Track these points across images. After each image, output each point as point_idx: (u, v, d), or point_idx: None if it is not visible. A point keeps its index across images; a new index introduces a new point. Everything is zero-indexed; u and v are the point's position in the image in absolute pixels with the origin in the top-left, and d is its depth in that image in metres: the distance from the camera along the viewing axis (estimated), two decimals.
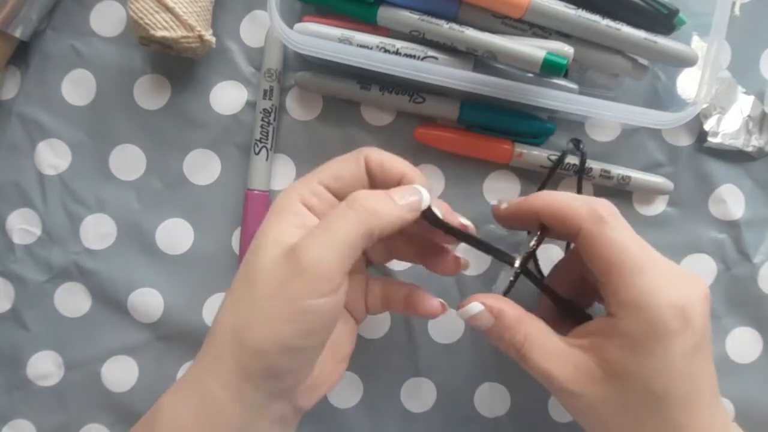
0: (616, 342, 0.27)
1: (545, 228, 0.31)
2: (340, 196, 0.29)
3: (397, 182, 0.30)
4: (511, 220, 0.33)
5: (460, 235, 0.30)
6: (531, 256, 0.31)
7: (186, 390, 0.28)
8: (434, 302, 0.32)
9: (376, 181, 0.30)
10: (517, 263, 0.30)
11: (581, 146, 0.37)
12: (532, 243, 0.31)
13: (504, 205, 0.33)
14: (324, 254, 0.26)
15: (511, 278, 0.30)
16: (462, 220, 0.31)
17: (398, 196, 0.28)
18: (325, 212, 0.29)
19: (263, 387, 0.27)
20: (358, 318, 0.33)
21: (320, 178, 0.29)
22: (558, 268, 0.36)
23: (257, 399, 0.27)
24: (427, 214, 0.29)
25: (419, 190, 0.29)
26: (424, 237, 0.32)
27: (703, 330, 0.27)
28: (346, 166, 0.30)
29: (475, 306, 0.30)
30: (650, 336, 0.26)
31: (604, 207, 0.29)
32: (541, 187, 0.38)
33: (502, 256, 0.30)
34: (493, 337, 0.30)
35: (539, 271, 0.38)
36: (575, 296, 0.34)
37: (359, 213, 0.27)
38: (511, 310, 0.30)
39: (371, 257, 0.34)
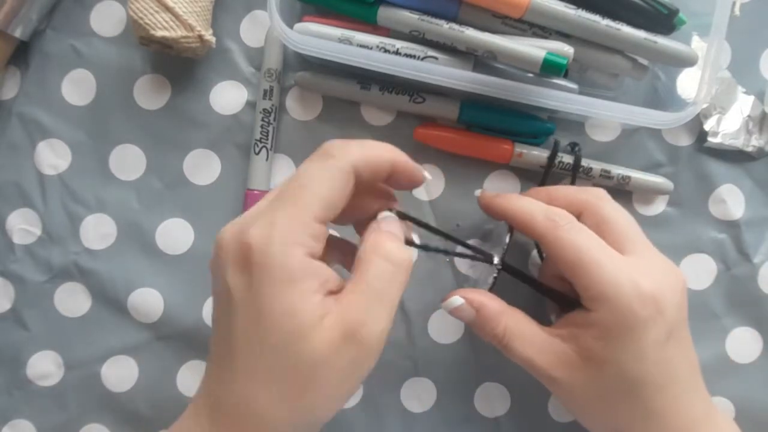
0: (592, 332, 0.29)
1: (513, 228, 0.33)
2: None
3: (387, 174, 0.27)
4: (487, 211, 0.35)
5: (443, 236, 0.31)
6: (506, 252, 0.32)
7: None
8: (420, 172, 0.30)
9: (360, 182, 0.27)
10: (496, 260, 0.32)
11: (576, 149, 0.37)
12: (506, 240, 0.33)
13: (477, 192, 0.36)
14: (385, 328, 0.25)
15: (494, 275, 0.32)
16: (425, 174, 0.30)
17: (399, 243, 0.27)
18: (320, 246, 0.25)
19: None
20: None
21: (314, 212, 0.25)
22: (547, 260, 0.37)
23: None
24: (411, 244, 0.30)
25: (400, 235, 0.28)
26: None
27: (676, 317, 0.29)
28: (337, 189, 0.25)
29: (455, 300, 0.31)
30: (621, 325, 0.28)
31: (560, 214, 0.30)
32: (541, 185, 0.38)
33: (482, 255, 0.32)
34: (477, 329, 0.32)
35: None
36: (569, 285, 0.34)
37: (402, 270, 0.26)
38: (491, 303, 0.31)
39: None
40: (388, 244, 0.26)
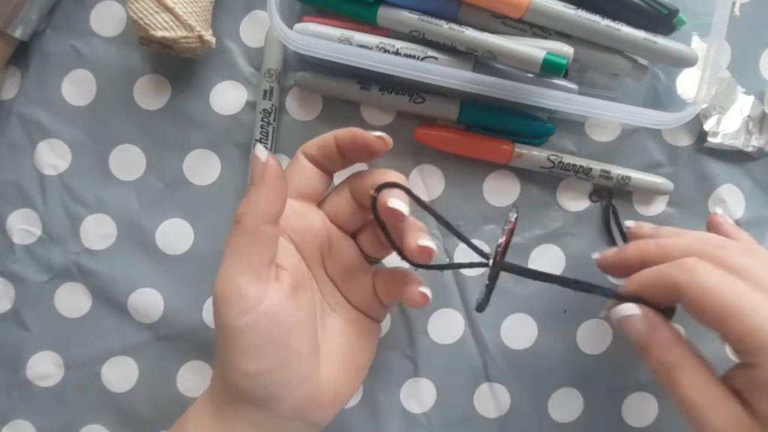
0: (761, 394, 0.25)
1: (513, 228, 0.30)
2: (301, 196, 0.32)
3: (337, 147, 0.31)
4: (608, 272, 0.34)
5: (434, 215, 0.30)
6: (504, 251, 0.30)
7: (204, 411, 0.30)
8: (416, 292, 0.31)
9: (324, 164, 0.32)
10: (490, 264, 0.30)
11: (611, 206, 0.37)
12: (500, 241, 0.30)
13: (595, 256, 0.34)
14: (227, 279, 0.27)
15: (487, 281, 0.30)
16: (376, 133, 0.31)
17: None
18: (291, 220, 0.31)
19: (261, 412, 0.28)
20: (378, 316, 0.33)
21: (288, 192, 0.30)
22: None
23: (266, 423, 0.28)
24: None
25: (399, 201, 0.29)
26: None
27: None
28: (291, 170, 0.32)
29: (630, 308, 0.28)
30: None
31: (690, 259, 0.27)
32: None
33: (482, 257, 0.30)
34: (642, 349, 0.28)
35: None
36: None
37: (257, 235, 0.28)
38: (667, 326, 0.28)
39: (367, 252, 0.33)
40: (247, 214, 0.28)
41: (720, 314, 0.25)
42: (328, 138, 0.31)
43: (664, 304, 0.29)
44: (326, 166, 0.32)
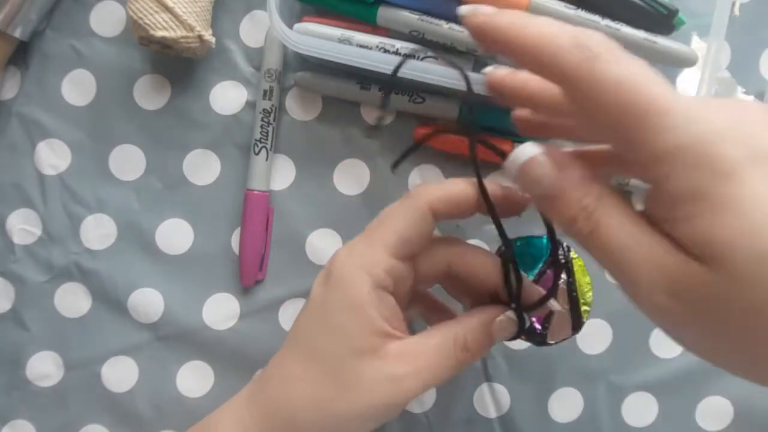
0: (680, 214, 0.19)
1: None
2: (408, 258, 0.27)
3: (474, 208, 0.27)
4: (479, 37, 0.24)
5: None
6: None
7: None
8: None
9: (444, 218, 0.27)
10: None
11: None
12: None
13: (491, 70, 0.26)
14: (417, 395, 0.26)
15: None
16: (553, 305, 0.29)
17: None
18: (397, 284, 0.27)
19: None
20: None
21: (387, 246, 0.26)
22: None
23: None
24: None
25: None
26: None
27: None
28: (413, 226, 0.26)
29: (527, 149, 0.21)
30: (718, 179, 0.18)
31: (595, 40, 0.20)
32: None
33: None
34: (553, 202, 0.21)
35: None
36: None
37: (461, 361, 0.27)
38: (577, 162, 0.21)
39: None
40: (469, 344, 0.27)
41: (622, 116, 0.19)
42: (468, 198, 0.27)
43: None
44: (443, 219, 0.27)
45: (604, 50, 0.20)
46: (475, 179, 0.26)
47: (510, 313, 0.28)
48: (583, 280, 0.30)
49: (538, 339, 0.29)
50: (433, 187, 0.27)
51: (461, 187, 0.27)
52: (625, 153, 0.20)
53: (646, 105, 0.19)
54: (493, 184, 0.27)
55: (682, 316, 0.19)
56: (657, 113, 0.18)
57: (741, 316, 0.18)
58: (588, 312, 0.30)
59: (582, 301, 0.30)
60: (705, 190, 0.18)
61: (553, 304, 0.29)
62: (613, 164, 0.25)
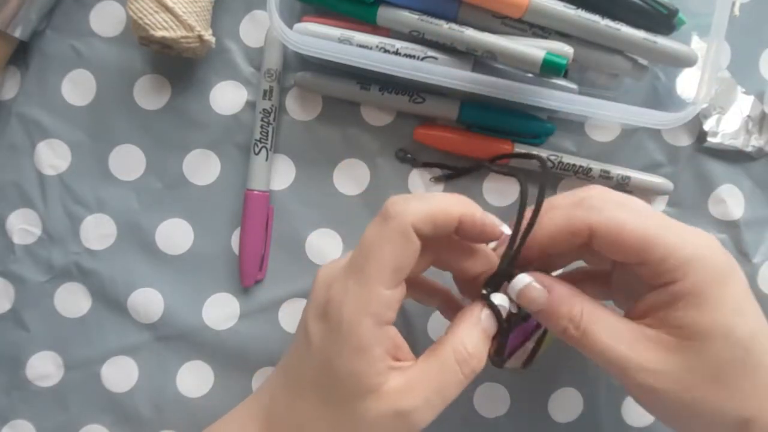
0: (683, 303, 0.25)
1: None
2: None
3: (454, 229, 0.27)
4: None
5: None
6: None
7: None
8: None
9: (428, 240, 0.27)
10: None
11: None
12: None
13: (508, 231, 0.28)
14: (433, 417, 0.26)
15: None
16: (503, 229, 0.28)
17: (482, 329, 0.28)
18: (392, 312, 0.27)
19: None
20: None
21: (380, 282, 0.25)
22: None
23: None
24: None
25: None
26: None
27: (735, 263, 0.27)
28: (401, 253, 0.26)
29: (523, 278, 0.27)
30: (714, 281, 0.25)
31: (594, 194, 0.27)
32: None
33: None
34: (547, 315, 0.27)
35: None
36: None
37: (467, 375, 0.27)
38: (562, 283, 0.27)
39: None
40: (468, 349, 0.27)
41: (640, 243, 0.26)
42: (450, 216, 0.26)
43: (568, 257, 0.29)
44: (427, 240, 0.26)
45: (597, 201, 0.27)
46: (458, 198, 0.27)
47: (492, 295, 0.28)
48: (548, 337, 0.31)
49: (497, 360, 0.29)
50: (416, 203, 0.26)
51: (446, 206, 0.26)
52: (640, 269, 0.26)
53: (654, 235, 0.26)
54: (453, 200, 0.27)
55: (663, 388, 0.25)
56: (663, 239, 0.26)
57: (711, 373, 0.25)
58: (537, 356, 0.31)
59: (544, 347, 0.32)
60: (703, 289, 0.25)
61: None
62: (592, 280, 0.32)
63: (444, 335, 0.28)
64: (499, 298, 0.28)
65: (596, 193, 0.28)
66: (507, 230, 0.28)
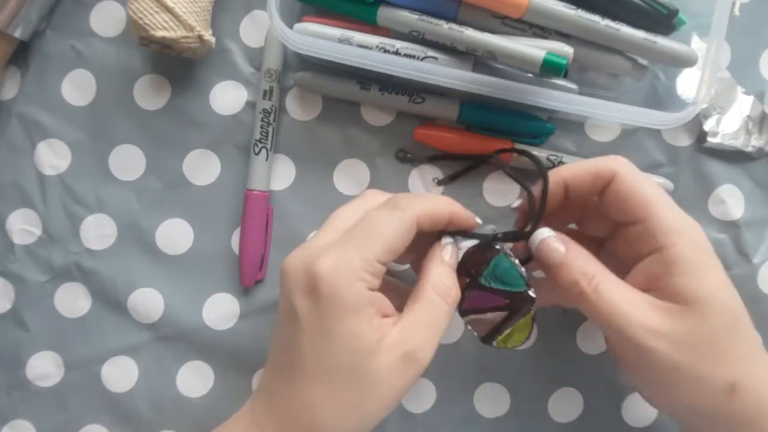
0: (677, 272, 0.28)
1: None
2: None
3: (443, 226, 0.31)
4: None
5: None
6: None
7: None
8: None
9: (423, 229, 0.30)
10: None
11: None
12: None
13: (517, 203, 0.34)
14: (435, 349, 0.28)
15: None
16: (477, 220, 0.32)
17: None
18: (378, 281, 0.29)
19: None
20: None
21: (377, 254, 0.28)
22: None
23: None
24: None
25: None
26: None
27: None
28: (400, 237, 0.29)
29: (545, 230, 0.30)
30: (702, 254, 0.28)
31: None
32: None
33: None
34: (563, 269, 0.29)
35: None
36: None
37: (451, 304, 0.29)
38: (575, 243, 0.30)
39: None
40: (445, 282, 0.29)
41: (648, 200, 0.29)
42: (443, 216, 0.30)
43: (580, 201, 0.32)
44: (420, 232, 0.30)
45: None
46: (448, 199, 0.31)
47: (445, 238, 0.31)
48: (523, 324, 0.31)
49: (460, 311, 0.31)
50: (419, 200, 0.30)
51: (442, 206, 0.30)
52: (641, 222, 0.29)
53: (654, 203, 0.30)
54: (445, 202, 0.31)
55: (660, 349, 0.27)
56: (667, 204, 0.30)
57: (705, 338, 0.27)
58: (505, 344, 0.31)
59: (505, 335, 0.31)
60: (697, 258, 0.28)
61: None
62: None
63: (419, 282, 0.30)
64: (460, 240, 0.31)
65: (621, 157, 0.31)
66: (479, 220, 0.32)
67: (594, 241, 0.34)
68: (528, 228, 0.31)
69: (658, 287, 0.28)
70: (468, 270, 0.31)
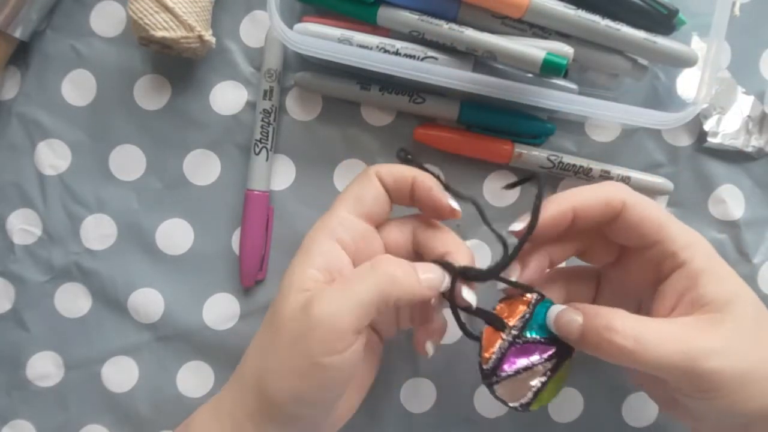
0: (702, 282, 0.28)
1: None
2: (368, 218, 0.31)
3: (410, 188, 0.31)
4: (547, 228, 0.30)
5: (471, 312, 0.30)
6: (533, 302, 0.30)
7: (218, 415, 0.29)
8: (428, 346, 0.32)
9: (392, 194, 0.31)
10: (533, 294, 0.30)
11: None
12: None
13: (521, 226, 0.30)
14: (336, 312, 0.26)
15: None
16: (452, 203, 0.31)
17: (421, 271, 0.28)
18: (357, 243, 0.30)
19: (286, 428, 0.28)
20: (387, 334, 0.34)
21: (346, 207, 0.30)
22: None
23: None
24: (447, 296, 0.30)
25: (441, 273, 0.29)
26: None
27: None
28: (363, 187, 0.30)
29: (556, 307, 0.29)
30: (715, 260, 0.29)
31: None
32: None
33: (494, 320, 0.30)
34: (588, 339, 0.27)
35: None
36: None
37: (380, 277, 0.27)
38: (588, 305, 0.29)
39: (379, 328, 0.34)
40: (383, 258, 0.28)
41: (658, 224, 0.29)
42: (405, 174, 0.31)
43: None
44: (392, 196, 0.31)
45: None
46: (414, 168, 0.31)
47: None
48: (563, 372, 0.30)
49: (487, 372, 0.29)
50: (382, 165, 0.31)
51: (403, 167, 0.31)
52: (657, 243, 0.29)
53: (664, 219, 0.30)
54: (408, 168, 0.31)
55: (728, 365, 0.26)
56: (674, 221, 0.30)
57: (748, 333, 0.27)
58: (545, 402, 0.30)
59: (547, 390, 0.30)
60: (714, 266, 0.29)
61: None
62: (579, 280, 0.35)
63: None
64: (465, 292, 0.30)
65: (621, 184, 0.31)
66: (455, 205, 0.31)
67: (593, 275, 0.34)
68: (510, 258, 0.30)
69: (687, 301, 0.28)
70: (502, 323, 0.29)
